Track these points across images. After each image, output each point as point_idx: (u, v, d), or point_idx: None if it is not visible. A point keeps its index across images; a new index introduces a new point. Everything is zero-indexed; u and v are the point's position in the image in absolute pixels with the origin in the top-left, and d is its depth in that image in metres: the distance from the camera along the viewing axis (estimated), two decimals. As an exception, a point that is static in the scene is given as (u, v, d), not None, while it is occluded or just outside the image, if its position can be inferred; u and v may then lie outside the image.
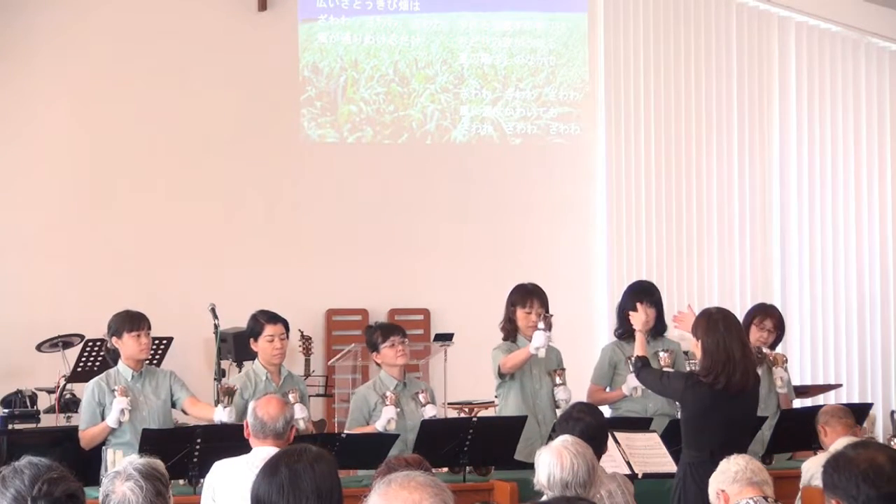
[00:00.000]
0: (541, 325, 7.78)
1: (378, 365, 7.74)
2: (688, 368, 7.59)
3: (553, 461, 5.01)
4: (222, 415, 7.22)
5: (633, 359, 7.42)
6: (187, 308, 10.30)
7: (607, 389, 8.20)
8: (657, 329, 8.18)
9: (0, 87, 11.17)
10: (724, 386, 6.63)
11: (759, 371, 7.43)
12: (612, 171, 12.50)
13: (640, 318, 7.64)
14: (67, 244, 11.22)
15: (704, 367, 6.68)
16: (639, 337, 7.50)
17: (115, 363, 7.54)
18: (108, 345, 7.56)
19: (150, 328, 7.50)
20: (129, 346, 7.41)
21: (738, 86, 12.73)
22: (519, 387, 7.92)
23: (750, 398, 6.84)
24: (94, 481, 6.91)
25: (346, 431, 7.54)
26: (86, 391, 7.49)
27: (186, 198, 11.53)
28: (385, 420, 7.40)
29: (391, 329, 7.71)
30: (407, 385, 7.64)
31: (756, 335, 8.13)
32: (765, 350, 8.21)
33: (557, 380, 7.87)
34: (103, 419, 7.33)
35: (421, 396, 7.55)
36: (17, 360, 10.51)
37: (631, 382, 7.94)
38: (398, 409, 7.46)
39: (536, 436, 7.59)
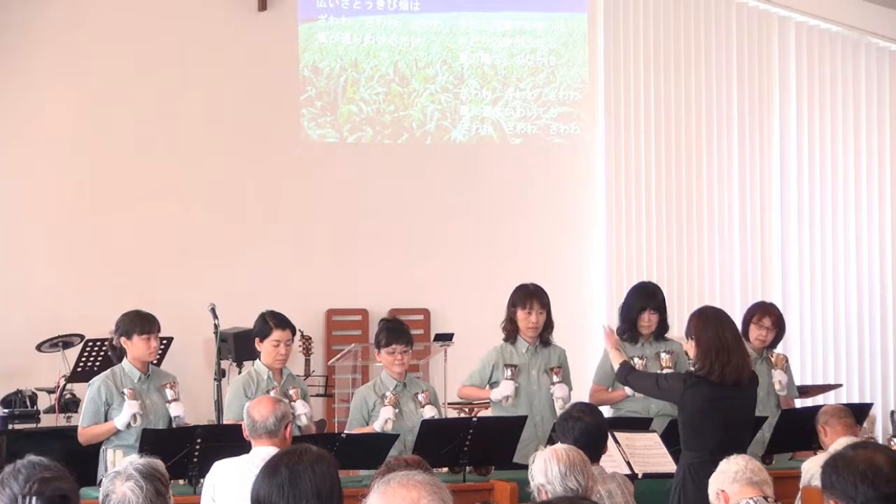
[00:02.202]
0: (507, 374, 7.79)
1: (379, 362, 7.76)
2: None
3: (548, 456, 5.04)
4: (175, 409, 7.31)
5: (615, 370, 7.42)
6: (187, 308, 10.30)
7: (610, 389, 8.20)
8: (660, 331, 8.19)
9: (0, 86, 11.18)
10: (719, 376, 6.65)
11: (758, 370, 7.42)
12: (612, 171, 12.50)
13: (610, 341, 7.62)
14: (67, 244, 11.22)
15: (698, 360, 6.71)
16: (611, 352, 7.51)
17: (119, 360, 7.51)
18: (114, 342, 7.53)
19: (159, 330, 7.48)
20: (138, 348, 7.38)
21: (738, 86, 12.74)
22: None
23: (747, 397, 6.85)
24: (94, 481, 6.93)
25: (345, 432, 7.55)
26: (91, 387, 7.44)
27: (186, 197, 11.53)
28: (382, 420, 7.41)
29: (396, 336, 7.63)
30: (407, 385, 7.64)
31: (756, 333, 8.13)
32: (768, 352, 8.22)
33: (555, 378, 7.87)
34: (106, 418, 7.32)
35: (420, 397, 7.56)
36: (17, 360, 10.51)
37: None
38: (397, 410, 7.47)
39: (532, 437, 7.59)
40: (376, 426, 7.42)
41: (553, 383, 7.86)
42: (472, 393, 8.11)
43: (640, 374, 7.25)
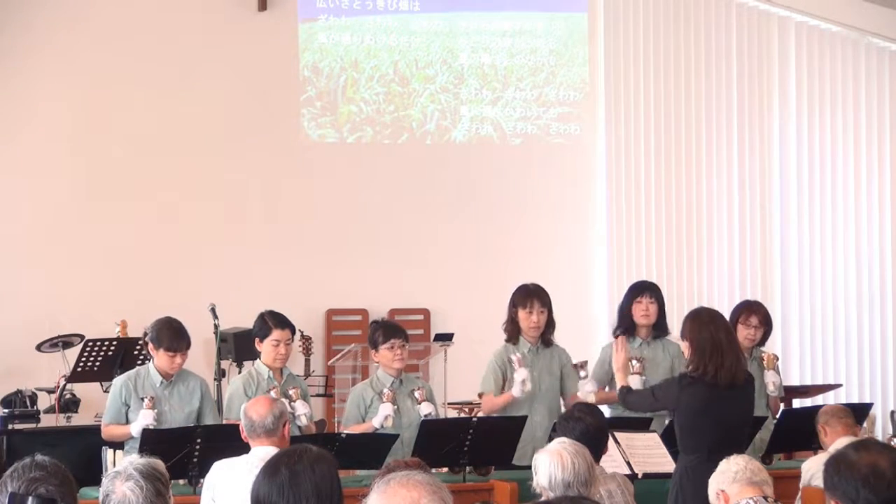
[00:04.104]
0: (516, 364, 7.77)
1: (376, 362, 7.75)
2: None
3: (553, 462, 5.01)
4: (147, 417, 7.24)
5: (617, 391, 7.39)
6: (187, 308, 10.26)
7: (607, 389, 8.17)
8: (659, 328, 8.14)
9: (0, 85, 11.18)
10: (713, 376, 6.64)
11: (751, 369, 7.40)
12: (612, 171, 12.50)
13: (618, 358, 7.52)
14: (67, 244, 11.22)
15: (693, 362, 6.71)
16: (617, 374, 7.40)
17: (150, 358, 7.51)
18: (145, 339, 7.53)
19: (189, 346, 7.37)
20: (162, 361, 7.33)
21: (738, 86, 12.74)
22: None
23: (743, 395, 6.84)
24: (95, 481, 6.93)
25: (342, 427, 7.55)
26: (113, 386, 7.47)
27: (186, 197, 11.54)
28: (382, 416, 7.41)
29: (393, 331, 7.67)
30: (403, 383, 7.65)
31: (744, 333, 8.06)
32: (761, 350, 8.20)
33: (581, 373, 7.86)
34: (126, 418, 7.32)
35: (417, 394, 7.56)
36: (17, 360, 10.51)
37: (631, 384, 7.89)
38: (395, 407, 7.48)
39: (532, 437, 7.58)
40: (375, 422, 7.42)
41: (581, 378, 7.85)
42: (495, 403, 7.96)
43: (637, 393, 7.23)
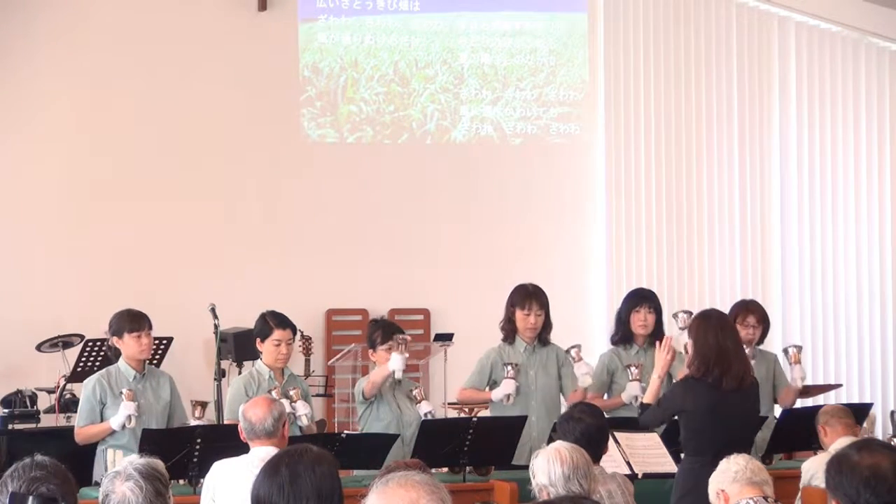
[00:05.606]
0: (509, 372, 7.77)
1: (373, 362, 7.75)
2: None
3: (552, 458, 5.02)
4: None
5: (639, 407, 7.32)
6: (187, 308, 10.30)
7: (605, 397, 8.14)
8: (656, 335, 8.12)
9: (0, 85, 11.18)
10: (717, 379, 6.62)
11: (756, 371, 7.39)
12: (612, 171, 12.50)
13: (665, 359, 7.27)
14: (67, 244, 11.22)
15: (696, 365, 6.68)
16: (654, 383, 7.21)
17: (117, 359, 7.53)
18: (109, 342, 7.55)
19: (151, 327, 7.47)
20: (130, 346, 7.39)
21: (738, 86, 12.73)
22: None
23: (749, 398, 6.82)
24: (91, 481, 6.94)
25: (363, 382, 7.57)
26: (85, 387, 7.47)
27: (186, 197, 11.53)
28: (396, 364, 7.39)
29: (394, 330, 7.69)
30: (401, 383, 7.67)
31: (742, 333, 8.04)
32: (792, 346, 8.25)
33: (573, 353, 7.79)
34: (102, 418, 7.33)
35: (415, 393, 7.58)
36: (17, 360, 10.51)
37: (630, 391, 7.87)
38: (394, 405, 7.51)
39: (527, 437, 7.57)
40: (392, 365, 7.41)
41: (575, 361, 7.80)
42: (471, 395, 8.09)
43: (649, 409, 7.15)
